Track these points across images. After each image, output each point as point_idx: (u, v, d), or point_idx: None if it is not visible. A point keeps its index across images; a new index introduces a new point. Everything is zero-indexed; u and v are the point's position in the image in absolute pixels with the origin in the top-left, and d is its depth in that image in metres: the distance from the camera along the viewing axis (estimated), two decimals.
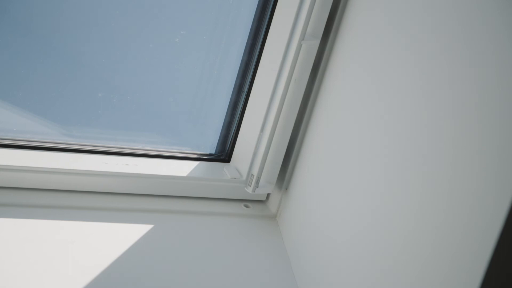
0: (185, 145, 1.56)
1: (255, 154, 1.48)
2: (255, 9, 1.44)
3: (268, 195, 1.56)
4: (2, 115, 1.42)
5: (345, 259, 1.20)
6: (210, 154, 1.57)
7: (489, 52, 0.91)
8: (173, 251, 1.36)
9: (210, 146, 1.57)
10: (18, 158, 1.39)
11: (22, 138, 1.42)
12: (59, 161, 1.41)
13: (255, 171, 1.47)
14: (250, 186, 1.48)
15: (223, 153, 1.57)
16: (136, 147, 1.50)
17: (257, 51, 1.47)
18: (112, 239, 1.35)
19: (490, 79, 0.90)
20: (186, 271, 1.33)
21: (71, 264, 1.27)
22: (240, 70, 1.50)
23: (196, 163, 1.54)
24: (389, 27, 1.18)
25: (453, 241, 0.91)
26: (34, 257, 1.26)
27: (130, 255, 1.32)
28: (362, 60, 1.26)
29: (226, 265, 1.37)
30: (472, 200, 0.89)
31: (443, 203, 0.95)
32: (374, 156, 1.16)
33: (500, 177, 0.84)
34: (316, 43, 1.38)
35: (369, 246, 1.13)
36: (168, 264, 1.33)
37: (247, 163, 1.50)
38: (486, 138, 0.89)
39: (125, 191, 1.47)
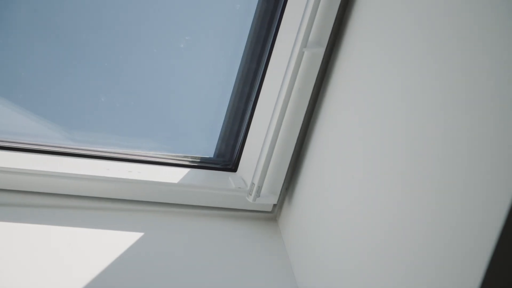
0: (187, 152, 1.55)
1: (257, 163, 1.47)
2: (262, 16, 1.44)
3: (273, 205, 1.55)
4: (4, 117, 1.43)
5: (345, 260, 1.20)
6: (215, 163, 1.56)
7: (495, 55, 0.91)
8: (175, 252, 1.37)
9: (212, 152, 1.56)
10: (19, 161, 1.39)
11: (23, 141, 1.43)
12: (60, 165, 1.41)
13: (256, 180, 1.46)
14: (251, 195, 1.47)
15: (230, 162, 1.56)
16: (139, 153, 1.50)
17: (265, 59, 1.47)
18: (116, 244, 1.35)
19: (495, 81, 0.90)
20: (187, 271, 1.33)
21: (70, 269, 1.27)
22: (248, 78, 1.49)
23: (201, 171, 1.54)
24: (395, 34, 1.17)
25: (454, 243, 0.91)
26: (33, 260, 1.26)
27: (132, 259, 1.33)
28: (367, 69, 1.25)
29: (226, 266, 1.37)
30: (473, 200, 0.89)
31: (445, 204, 0.94)
32: (375, 159, 1.16)
33: (500, 178, 0.84)
34: (320, 51, 1.38)
35: (370, 247, 1.13)
36: (169, 264, 1.33)
37: (251, 173, 1.50)
38: (488, 139, 0.88)
39: (127, 198, 1.46)
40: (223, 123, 1.53)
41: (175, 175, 1.49)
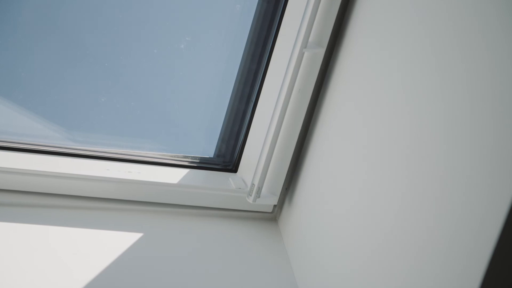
0: (187, 152, 1.55)
1: (257, 164, 1.47)
2: (263, 17, 1.44)
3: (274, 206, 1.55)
4: (5, 117, 1.43)
5: (345, 260, 1.20)
6: (215, 163, 1.56)
7: (497, 53, 0.91)
8: (175, 253, 1.37)
9: (212, 152, 1.56)
10: (20, 161, 1.39)
11: (24, 141, 1.42)
12: (60, 165, 1.41)
13: (256, 181, 1.45)
14: (251, 196, 1.47)
15: (231, 163, 1.56)
16: (139, 154, 1.50)
17: (265, 60, 1.46)
18: (116, 245, 1.35)
19: (497, 79, 0.90)
20: (187, 272, 1.33)
21: (70, 269, 1.27)
22: (249, 79, 1.49)
23: (201, 172, 1.54)
24: (395, 34, 1.17)
25: (454, 246, 0.91)
26: (33, 260, 1.26)
27: (132, 259, 1.33)
28: (368, 70, 1.25)
29: (227, 266, 1.37)
30: (473, 200, 0.88)
31: (446, 205, 0.94)
32: (375, 159, 1.16)
33: (501, 178, 0.84)
34: (320, 51, 1.38)
35: (370, 247, 1.12)
36: (170, 265, 1.33)
37: (252, 174, 1.49)
38: (487, 139, 0.88)
39: (127, 198, 1.46)
40: (224, 123, 1.53)
41: (175, 175, 1.49)
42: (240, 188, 1.50)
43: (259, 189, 1.46)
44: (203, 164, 1.55)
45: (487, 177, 0.86)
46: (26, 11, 1.36)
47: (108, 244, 1.35)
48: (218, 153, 1.56)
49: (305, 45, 1.34)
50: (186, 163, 1.53)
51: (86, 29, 1.41)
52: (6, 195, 1.38)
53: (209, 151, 1.56)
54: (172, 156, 1.53)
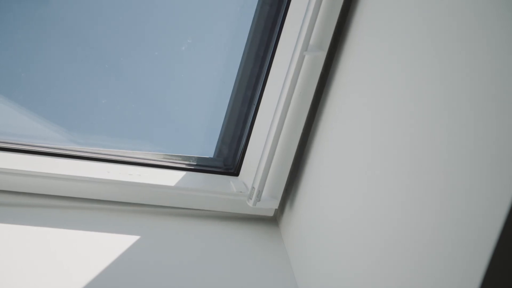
0: (189, 154, 1.55)
1: (258, 167, 1.46)
2: (265, 20, 1.44)
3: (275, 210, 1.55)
4: (5, 118, 1.44)
5: (347, 263, 1.20)
6: (217, 167, 1.56)
7: (499, 53, 0.90)
8: (177, 255, 1.37)
9: (213, 155, 1.56)
10: (20, 162, 1.39)
11: (24, 142, 1.43)
12: (60, 167, 1.41)
13: (256, 184, 1.45)
14: (251, 199, 1.47)
15: (232, 166, 1.56)
16: (140, 156, 1.50)
17: (267, 64, 1.46)
18: (118, 247, 1.35)
19: (490, 81, 0.89)
20: (188, 273, 1.33)
21: (70, 271, 1.27)
22: (251, 82, 1.49)
23: (203, 175, 1.53)
24: (397, 38, 1.17)
25: (456, 244, 0.90)
26: (32, 261, 1.26)
27: (134, 261, 1.33)
28: (369, 73, 1.25)
29: (227, 269, 1.37)
30: (474, 200, 0.88)
31: (447, 206, 0.94)
32: (376, 163, 1.16)
33: (501, 178, 0.83)
34: (321, 54, 1.37)
35: (371, 250, 1.12)
36: (171, 266, 1.33)
37: (253, 177, 1.49)
38: (487, 139, 0.88)
39: (128, 200, 1.46)
40: (224, 126, 1.53)
41: (176, 178, 1.49)
42: (241, 192, 1.50)
43: (260, 193, 1.45)
44: (204, 167, 1.54)
45: (488, 177, 0.86)
46: (26, 11, 1.37)
47: (108, 246, 1.35)
48: (219, 155, 1.56)
49: (305, 48, 1.34)
50: (188, 166, 1.53)
51: (87, 30, 1.41)
52: (5, 196, 1.39)
53: (210, 154, 1.56)
54: (173, 158, 1.53)
